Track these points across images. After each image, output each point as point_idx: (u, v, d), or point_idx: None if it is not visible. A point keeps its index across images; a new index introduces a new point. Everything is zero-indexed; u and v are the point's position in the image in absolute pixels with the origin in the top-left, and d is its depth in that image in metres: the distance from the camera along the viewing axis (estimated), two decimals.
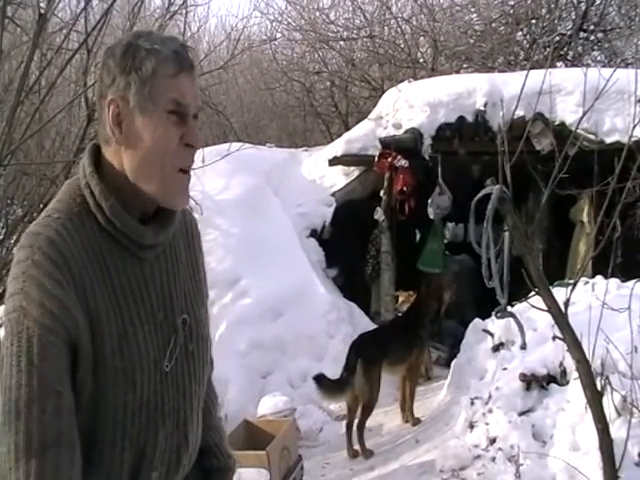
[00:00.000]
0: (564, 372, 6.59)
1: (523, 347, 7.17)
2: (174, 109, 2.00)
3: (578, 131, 7.11)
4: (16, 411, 1.83)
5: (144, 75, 1.97)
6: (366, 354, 7.78)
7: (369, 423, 7.92)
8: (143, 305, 2.06)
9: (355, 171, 11.78)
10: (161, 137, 1.99)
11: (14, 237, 8.20)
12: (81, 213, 2.01)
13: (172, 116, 2.00)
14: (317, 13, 18.04)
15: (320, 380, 7.79)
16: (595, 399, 5.00)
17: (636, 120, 4.97)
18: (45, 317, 1.86)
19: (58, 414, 1.85)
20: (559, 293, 5.27)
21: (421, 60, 17.62)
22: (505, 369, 7.09)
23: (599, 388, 5.08)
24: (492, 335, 7.81)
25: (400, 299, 10.02)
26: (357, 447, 7.75)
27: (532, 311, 6.21)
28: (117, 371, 1.97)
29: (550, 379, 6.67)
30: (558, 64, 15.60)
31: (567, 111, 9.86)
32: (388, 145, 10.91)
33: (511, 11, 16.31)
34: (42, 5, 6.22)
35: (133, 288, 2.05)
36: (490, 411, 6.72)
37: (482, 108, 10.42)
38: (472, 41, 16.60)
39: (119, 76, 1.99)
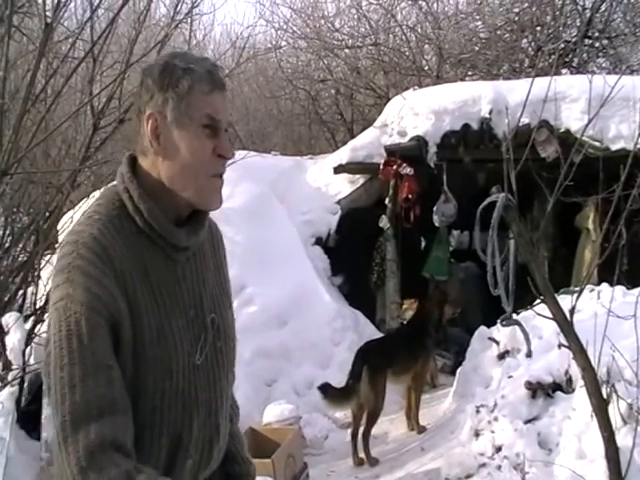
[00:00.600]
0: (570, 380, 6.58)
1: (529, 355, 7.16)
2: (208, 123, 2.15)
3: (583, 138, 7.11)
4: (70, 386, 1.94)
5: (181, 92, 2.13)
6: (372, 362, 7.77)
7: (374, 431, 7.91)
8: (177, 302, 2.20)
9: (360, 179, 11.78)
10: (197, 149, 2.15)
11: (20, 245, 8.21)
12: (120, 216, 2.15)
13: (206, 130, 2.15)
14: (322, 21, 18.05)
15: (325, 390, 7.79)
16: (601, 407, 5.01)
17: None
18: (91, 300, 1.99)
19: (111, 384, 1.98)
20: (565, 301, 5.28)
21: (426, 68, 17.62)
22: (510, 377, 7.08)
23: (605, 396, 5.09)
24: (497, 343, 7.80)
25: (403, 307, 10.01)
26: (362, 455, 7.74)
27: (537, 319, 6.22)
28: (155, 358, 2.10)
29: (556, 387, 6.66)
30: (563, 71, 15.58)
31: (572, 118, 9.84)
32: (393, 153, 10.91)
33: (516, 18, 16.30)
34: (48, 14, 6.24)
35: (168, 286, 2.19)
36: (496, 419, 6.71)
37: (487, 115, 10.41)
38: (477, 48, 16.60)
39: (157, 93, 2.15)
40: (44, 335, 7.62)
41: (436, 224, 11.03)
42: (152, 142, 2.16)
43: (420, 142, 10.64)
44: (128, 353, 2.05)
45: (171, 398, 2.13)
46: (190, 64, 2.16)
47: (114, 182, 2.24)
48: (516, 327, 7.11)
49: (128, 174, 2.19)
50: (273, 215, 11.29)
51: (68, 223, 8.02)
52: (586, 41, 16.61)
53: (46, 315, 7.83)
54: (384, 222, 11.07)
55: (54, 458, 1.99)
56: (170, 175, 2.17)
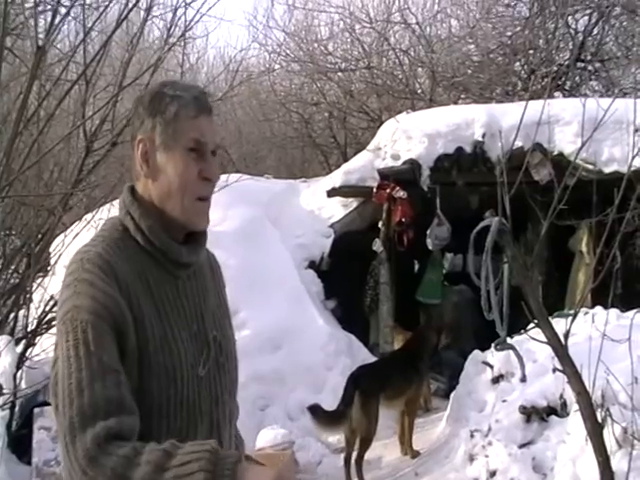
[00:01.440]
0: (564, 404, 6.55)
1: (523, 380, 7.12)
2: (194, 147, 2.26)
3: (577, 161, 7.11)
4: (78, 390, 1.96)
5: (168, 117, 2.25)
6: (364, 387, 7.71)
7: (368, 456, 7.85)
8: (179, 315, 2.27)
9: (353, 202, 11.78)
10: (182, 172, 2.25)
11: (12, 267, 8.17)
12: (123, 238, 2.26)
13: (192, 153, 2.25)
14: (315, 44, 18.11)
15: (315, 410, 7.73)
16: (596, 431, 4.96)
17: (635, 150, 4.97)
18: (97, 309, 2.05)
19: (119, 387, 2.01)
20: (559, 324, 5.24)
21: (419, 91, 17.68)
22: (505, 401, 7.05)
23: (600, 420, 5.04)
24: (492, 367, 7.77)
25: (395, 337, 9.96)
26: None
27: (532, 342, 6.16)
28: (160, 366, 2.14)
29: (550, 411, 6.62)
30: (556, 94, 15.64)
31: (565, 141, 9.87)
32: (386, 176, 10.93)
33: (509, 42, 16.38)
34: (41, 36, 6.23)
35: (170, 300, 2.27)
36: (490, 444, 6.66)
37: (480, 139, 10.43)
38: (470, 72, 16.66)
39: (147, 119, 2.27)
40: (35, 359, 7.58)
41: (429, 247, 11.02)
42: (142, 166, 2.27)
43: (413, 165, 10.66)
44: (133, 362, 2.10)
45: (176, 406, 2.17)
46: (177, 91, 2.27)
47: (108, 205, 2.34)
48: (510, 351, 7.07)
49: (129, 198, 2.30)
50: (266, 238, 11.28)
51: (60, 246, 7.99)
52: (579, 64, 16.69)
53: (37, 339, 7.79)
54: (377, 245, 11.05)
55: (62, 467, 1.99)
56: (159, 196, 2.27)
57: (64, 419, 1.96)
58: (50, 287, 7.64)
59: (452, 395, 8.43)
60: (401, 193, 10.71)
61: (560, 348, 4.98)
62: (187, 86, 2.35)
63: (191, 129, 2.25)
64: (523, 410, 6.63)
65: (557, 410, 6.61)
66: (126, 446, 1.90)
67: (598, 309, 7.59)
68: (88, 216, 8.14)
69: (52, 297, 7.50)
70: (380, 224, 11.07)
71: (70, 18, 7.73)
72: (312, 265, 11.36)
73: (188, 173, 2.25)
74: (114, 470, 1.84)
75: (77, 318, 2.04)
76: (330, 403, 8.02)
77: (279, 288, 10.28)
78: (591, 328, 5.96)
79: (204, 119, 2.28)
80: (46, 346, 7.38)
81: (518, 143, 8.23)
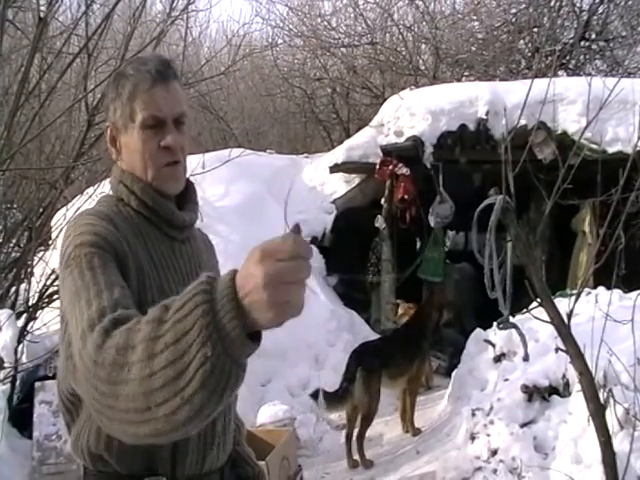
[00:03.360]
0: (566, 384, 6.54)
1: (526, 359, 7.11)
2: (150, 124, 2.30)
3: (581, 140, 7.08)
4: (88, 305, 1.95)
5: (124, 99, 2.31)
6: (366, 364, 7.71)
7: (369, 433, 7.85)
8: (175, 272, 2.34)
9: (356, 178, 11.76)
10: (142, 148, 2.31)
11: (13, 241, 8.15)
12: (118, 205, 2.34)
13: (148, 130, 2.30)
14: (318, 19, 18.06)
15: (317, 396, 7.73)
16: (598, 411, 4.95)
17: None
18: (100, 242, 2.10)
19: (125, 297, 2.00)
20: (561, 304, 5.23)
21: (422, 68, 17.62)
22: (507, 380, 7.04)
23: (602, 400, 5.03)
24: (494, 345, 7.75)
25: (399, 311, 9.94)
26: (357, 457, 7.68)
27: (534, 322, 6.17)
28: None
29: (552, 391, 6.61)
30: (560, 73, 15.58)
31: (569, 120, 9.82)
32: (389, 153, 10.89)
33: (513, 19, 16.30)
34: (42, 9, 6.19)
35: (167, 258, 2.34)
36: (491, 422, 6.65)
37: (484, 117, 10.39)
38: (474, 49, 16.60)
39: (111, 104, 2.37)
40: (37, 333, 7.58)
41: (432, 225, 10.99)
42: (111, 149, 2.40)
43: (416, 142, 10.63)
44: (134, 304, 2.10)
45: None
46: (133, 70, 2.32)
47: (109, 179, 2.45)
48: (512, 330, 7.06)
49: (118, 171, 2.39)
50: (268, 214, 11.24)
51: (62, 220, 7.97)
52: (583, 43, 16.60)
53: (38, 313, 7.79)
54: (380, 222, 11.04)
55: (78, 379, 1.92)
56: (130, 171, 2.35)
57: (76, 334, 1.91)
58: (51, 261, 7.61)
59: (454, 373, 8.42)
60: (404, 170, 10.69)
61: (563, 328, 4.97)
62: (146, 60, 2.36)
63: (146, 106, 2.28)
64: (525, 389, 6.62)
65: (559, 390, 6.60)
66: (130, 322, 1.82)
67: (601, 289, 7.58)
68: (90, 190, 8.11)
69: (53, 271, 7.48)
70: (382, 201, 11.05)
71: None
72: (314, 241, 11.33)
73: (146, 148, 2.30)
74: (117, 346, 1.76)
75: (80, 254, 2.07)
76: (331, 380, 8.02)
77: None
78: (594, 308, 5.96)
79: (160, 90, 2.29)
80: (47, 320, 7.37)
81: (522, 121, 8.20)
